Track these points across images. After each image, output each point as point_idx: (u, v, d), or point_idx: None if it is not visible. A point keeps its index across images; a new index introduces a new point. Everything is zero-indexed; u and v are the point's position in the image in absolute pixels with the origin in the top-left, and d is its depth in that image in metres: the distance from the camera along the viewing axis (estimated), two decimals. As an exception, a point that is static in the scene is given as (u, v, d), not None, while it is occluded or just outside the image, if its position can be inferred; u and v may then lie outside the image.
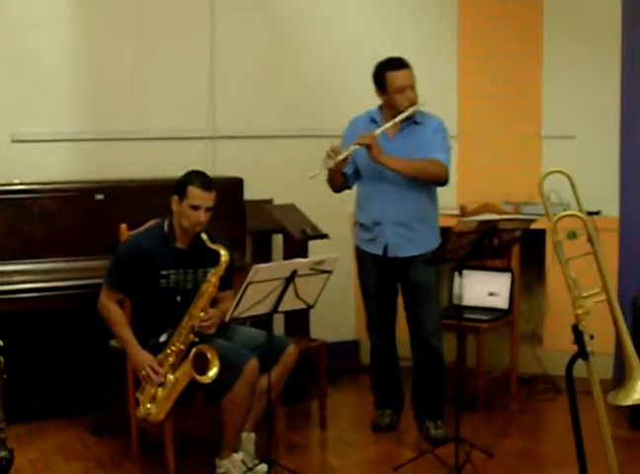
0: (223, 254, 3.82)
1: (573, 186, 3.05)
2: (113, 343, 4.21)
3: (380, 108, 4.30)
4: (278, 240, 5.07)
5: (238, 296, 3.47)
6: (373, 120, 4.26)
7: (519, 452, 4.17)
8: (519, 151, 5.60)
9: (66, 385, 4.58)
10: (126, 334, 3.91)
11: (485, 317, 4.82)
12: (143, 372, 3.80)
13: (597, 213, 5.13)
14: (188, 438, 4.22)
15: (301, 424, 4.69)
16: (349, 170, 4.23)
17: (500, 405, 4.88)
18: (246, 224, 4.92)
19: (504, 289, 4.99)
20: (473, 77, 5.67)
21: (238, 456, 3.76)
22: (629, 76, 5.08)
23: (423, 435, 4.33)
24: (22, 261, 4.39)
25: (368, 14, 5.55)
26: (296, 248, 4.70)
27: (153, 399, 3.79)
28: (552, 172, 3.04)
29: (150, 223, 4.04)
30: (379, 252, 4.25)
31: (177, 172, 3.99)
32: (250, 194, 4.95)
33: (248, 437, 3.82)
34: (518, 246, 4.84)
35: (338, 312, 5.43)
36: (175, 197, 3.87)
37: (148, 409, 3.80)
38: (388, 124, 4.12)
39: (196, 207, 3.81)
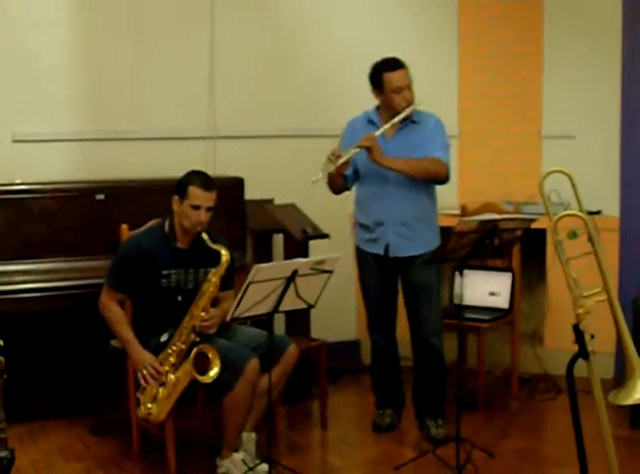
0: (224, 254, 3.82)
1: (573, 185, 3.05)
2: (113, 343, 4.21)
3: (377, 108, 4.30)
4: (278, 240, 5.07)
5: (239, 296, 3.47)
6: (371, 121, 4.26)
7: (519, 452, 4.17)
8: (519, 151, 5.61)
9: (67, 385, 4.58)
10: (127, 334, 3.91)
11: (486, 317, 4.82)
12: (144, 372, 3.80)
13: (597, 213, 5.13)
14: (189, 438, 4.22)
15: (302, 423, 4.69)
16: (348, 171, 4.23)
17: (501, 405, 4.88)
18: (247, 224, 4.92)
19: (504, 289, 4.99)
20: (473, 77, 5.67)
21: (239, 456, 3.76)
22: (630, 76, 5.08)
23: (424, 435, 4.33)
24: (22, 261, 4.39)
25: (368, 14, 5.55)
26: (297, 248, 4.70)
27: (154, 399, 3.79)
28: (553, 171, 3.04)
29: (151, 223, 4.04)
30: (380, 252, 4.25)
31: (177, 172, 4.00)
32: (250, 193, 4.95)
33: (249, 437, 3.82)
34: (518, 246, 4.84)
35: (338, 312, 5.43)
36: (176, 197, 3.87)
37: (149, 409, 3.80)
38: (387, 126, 4.12)
39: (196, 207, 3.81)
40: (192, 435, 4.28)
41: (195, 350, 3.68)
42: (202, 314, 3.78)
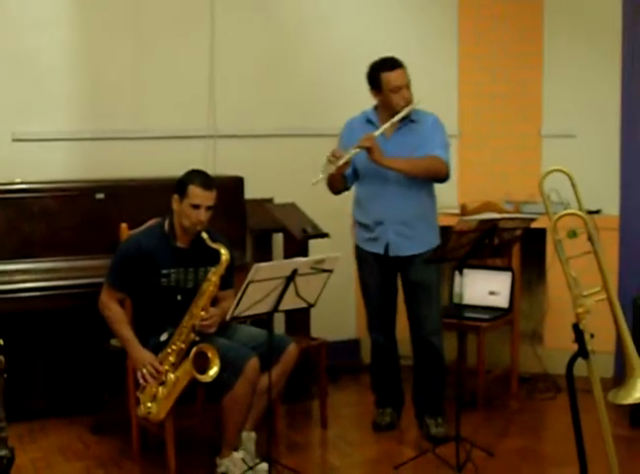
0: (224, 253, 3.82)
1: (573, 185, 3.05)
2: (113, 342, 4.22)
3: (375, 108, 4.30)
4: (278, 239, 5.07)
5: (239, 295, 3.47)
6: (369, 121, 4.27)
7: (519, 451, 4.18)
8: (519, 150, 5.61)
9: (67, 384, 4.58)
10: (127, 333, 3.91)
11: (485, 316, 4.82)
12: (144, 371, 3.80)
13: (597, 212, 5.13)
14: (188, 437, 4.22)
15: (302, 423, 4.69)
16: (347, 171, 4.23)
17: (500, 404, 4.88)
18: (246, 223, 4.92)
19: (504, 288, 4.99)
20: (473, 77, 5.68)
21: (239, 455, 3.76)
22: (630, 75, 5.08)
23: (423, 434, 4.33)
24: (22, 260, 4.39)
25: (368, 14, 5.56)
26: (297, 247, 4.70)
27: (154, 398, 3.79)
28: (552, 171, 3.05)
29: (151, 222, 4.04)
30: (380, 251, 4.25)
31: (177, 171, 3.99)
32: (250, 193, 4.96)
33: (248, 436, 3.82)
34: (518, 245, 4.84)
35: (338, 311, 5.43)
36: (175, 197, 3.88)
37: (149, 408, 3.80)
38: (386, 125, 4.12)
39: (196, 206, 3.81)
40: (191, 435, 4.28)
41: (194, 349, 3.68)
42: (202, 313, 3.78)
